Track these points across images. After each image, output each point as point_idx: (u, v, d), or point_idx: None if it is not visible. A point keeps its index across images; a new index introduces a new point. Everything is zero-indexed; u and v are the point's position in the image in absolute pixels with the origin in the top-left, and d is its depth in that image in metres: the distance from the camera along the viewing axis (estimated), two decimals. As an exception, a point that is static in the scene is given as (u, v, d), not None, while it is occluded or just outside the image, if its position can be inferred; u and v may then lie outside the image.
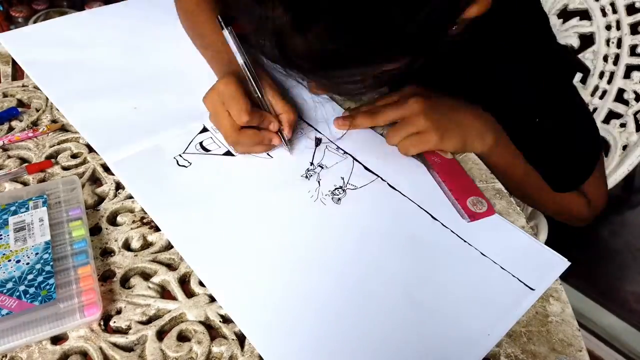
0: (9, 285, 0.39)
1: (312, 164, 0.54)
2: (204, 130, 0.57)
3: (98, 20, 0.75)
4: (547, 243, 0.47)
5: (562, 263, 0.46)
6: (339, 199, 0.50)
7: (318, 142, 0.57)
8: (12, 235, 0.43)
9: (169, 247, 0.46)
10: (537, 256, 0.46)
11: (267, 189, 0.51)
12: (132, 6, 0.79)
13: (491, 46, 0.53)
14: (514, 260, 0.45)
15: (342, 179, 0.52)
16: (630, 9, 0.74)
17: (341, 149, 0.56)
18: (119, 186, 0.51)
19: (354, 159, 0.55)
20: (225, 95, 0.49)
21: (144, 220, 0.47)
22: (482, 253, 0.46)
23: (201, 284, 0.43)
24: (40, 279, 0.39)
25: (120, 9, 0.77)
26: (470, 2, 0.37)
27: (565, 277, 0.44)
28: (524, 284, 0.43)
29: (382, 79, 0.40)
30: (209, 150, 0.54)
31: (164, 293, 0.43)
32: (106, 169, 0.53)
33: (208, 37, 0.60)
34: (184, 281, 0.43)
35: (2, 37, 0.69)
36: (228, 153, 0.54)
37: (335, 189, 0.51)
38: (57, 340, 0.38)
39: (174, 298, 0.42)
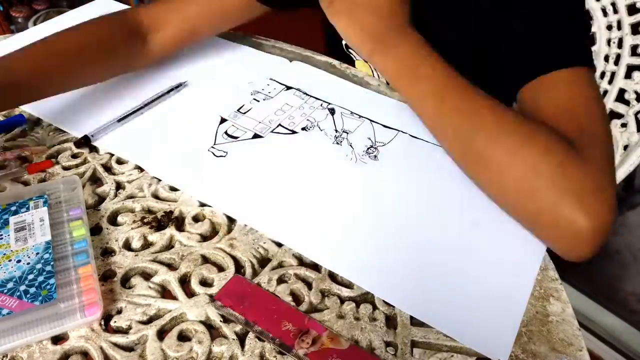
0: (10, 285, 0.39)
1: (336, 130, 0.58)
2: (223, 120, 0.60)
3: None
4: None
5: None
6: (376, 156, 0.54)
7: (332, 111, 0.61)
8: (12, 235, 0.43)
9: (169, 247, 0.46)
10: None
11: (307, 158, 0.55)
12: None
13: None
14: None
15: (369, 139, 0.57)
16: (632, 9, 0.74)
17: (355, 113, 0.60)
18: (119, 186, 0.51)
19: (370, 120, 0.59)
20: None
21: (145, 220, 0.47)
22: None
23: (201, 283, 0.43)
24: (40, 278, 0.39)
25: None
26: None
27: (565, 277, 0.44)
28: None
29: None
30: (237, 137, 0.57)
31: (165, 293, 0.43)
32: (107, 168, 0.53)
33: None
34: (184, 281, 0.43)
35: None
36: (256, 136, 0.57)
37: (368, 148, 0.55)
38: (57, 340, 0.38)
39: (174, 298, 0.42)
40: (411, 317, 0.41)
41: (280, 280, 0.43)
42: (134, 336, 0.39)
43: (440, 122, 0.49)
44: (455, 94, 0.47)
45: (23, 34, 0.73)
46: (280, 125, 0.59)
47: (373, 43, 0.53)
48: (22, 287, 0.39)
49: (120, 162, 0.54)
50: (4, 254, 0.41)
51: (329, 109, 0.61)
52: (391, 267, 0.44)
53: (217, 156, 0.54)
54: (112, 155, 0.54)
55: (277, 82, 0.66)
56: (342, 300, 0.42)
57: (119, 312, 0.40)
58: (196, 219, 0.48)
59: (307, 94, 0.64)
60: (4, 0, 1.55)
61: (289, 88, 0.65)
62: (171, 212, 0.48)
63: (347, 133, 0.58)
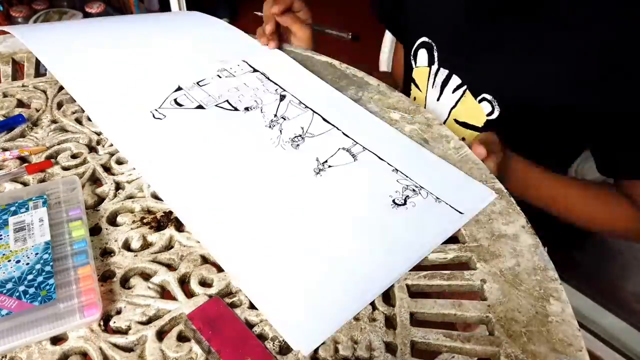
0: (9, 285, 0.39)
1: (275, 115, 0.60)
2: (179, 89, 0.63)
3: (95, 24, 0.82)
4: (548, 243, 0.47)
5: (490, 194, 0.52)
6: (298, 145, 0.56)
7: (282, 97, 0.63)
8: (12, 235, 0.43)
9: (169, 247, 0.46)
10: (468, 188, 0.53)
11: (234, 136, 0.57)
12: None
13: None
14: (448, 192, 0.52)
15: (302, 128, 0.59)
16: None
17: (303, 103, 0.62)
18: (119, 186, 0.51)
19: (313, 111, 0.61)
20: None
21: (144, 221, 0.47)
22: (421, 186, 0.52)
23: (201, 283, 0.43)
24: (40, 279, 0.39)
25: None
26: None
27: (565, 277, 0.44)
28: (455, 209, 0.50)
29: None
30: (182, 105, 0.60)
31: (164, 293, 0.42)
32: (106, 169, 0.53)
33: None
34: (184, 281, 0.43)
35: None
36: (199, 107, 0.60)
37: (295, 136, 0.57)
38: (56, 340, 0.38)
39: (174, 298, 0.42)
40: (411, 318, 0.41)
41: (280, 281, 0.43)
42: (134, 337, 0.38)
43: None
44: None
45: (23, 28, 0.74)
46: (227, 101, 0.62)
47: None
48: (22, 288, 0.39)
49: (119, 162, 0.54)
50: (3, 255, 0.41)
51: (280, 95, 0.63)
52: (262, 248, 0.45)
53: (156, 118, 0.58)
54: (111, 155, 0.54)
55: (247, 64, 0.69)
56: (342, 300, 0.42)
57: (119, 312, 0.40)
58: (196, 219, 0.48)
59: (268, 79, 0.66)
60: (4, 0, 1.55)
61: (255, 71, 0.68)
62: (171, 212, 0.48)
63: (285, 119, 0.59)
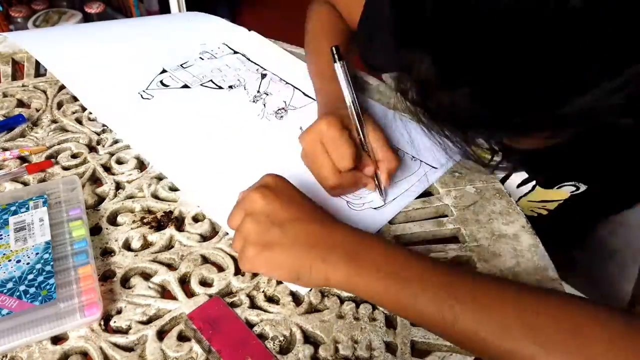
0: (9, 285, 0.39)
1: (259, 92, 0.64)
2: (164, 71, 0.67)
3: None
4: (547, 242, 0.47)
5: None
6: (282, 117, 0.61)
7: (263, 76, 0.67)
8: (12, 235, 0.43)
9: (169, 247, 0.46)
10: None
11: (221, 111, 0.61)
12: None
13: None
14: (422, 151, 0.57)
15: (284, 102, 0.63)
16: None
17: (284, 80, 0.67)
18: (119, 186, 0.51)
19: (294, 87, 0.65)
20: (327, 137, 0.46)
21: (144, 220, 0.47)
22: (398, 148, 0.57)
23: (201, 283, 0.43)
24: (40, 278, 0.39)
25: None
26: None
27: (565, 277, 0.44)
28: (431, 165, 0.55)
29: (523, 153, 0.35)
30: (168, 86, 0.64)
31: (164, 293, 0.43)
32: (106, 168, 0.53)
33: (322, 67, 0.57)
34: (184, 281, 0.43)
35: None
36: (185, 87, 0.64)
37: (279, 109, 0.62)
38: (57, 340, 0.38)
39: (174, 298, 0.42)
40: (411, 317, 0.41)
41: (280, 281, 0.43)
42: (134, 336, 0.38)
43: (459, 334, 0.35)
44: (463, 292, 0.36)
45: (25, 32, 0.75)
46: (211, 80, 0.66)
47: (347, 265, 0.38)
48: (22, 287, 0.39)
49: (120, 162, 0.54)
50: (4, 254, 0.41)
51: (261, 74, 0.68)
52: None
53: (144, 98, 0.61)
54: (112, 155, 0.54)
55: (227, 46, 0.73)
56: (342, 300, 0.42)
57: (119, 312, 0.40)
58: (196, 219, 0.48)
59: (249, 60, 0.70)
60: (4, 0, 1.55)
61: (235, 53, 0.72)
62: (171, 212, 0.48)
63: (267, 95, 0.64)
